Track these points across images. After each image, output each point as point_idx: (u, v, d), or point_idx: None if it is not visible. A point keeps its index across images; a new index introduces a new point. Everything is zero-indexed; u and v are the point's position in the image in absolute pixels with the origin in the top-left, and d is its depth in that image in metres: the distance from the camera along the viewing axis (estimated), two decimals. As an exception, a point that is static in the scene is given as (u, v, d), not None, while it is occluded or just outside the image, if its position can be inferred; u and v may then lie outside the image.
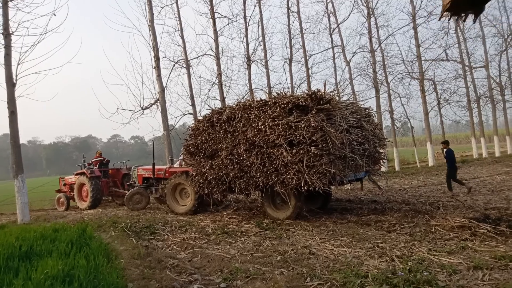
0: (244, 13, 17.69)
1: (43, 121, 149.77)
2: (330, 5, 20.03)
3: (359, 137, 7.14)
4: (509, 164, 16.17)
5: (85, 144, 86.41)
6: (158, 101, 14.39)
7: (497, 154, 22.22)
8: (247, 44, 17.74)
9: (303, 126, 6.30)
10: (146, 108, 14.60)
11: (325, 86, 7.07)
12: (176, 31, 16.07)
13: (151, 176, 10.42)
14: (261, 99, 7.23)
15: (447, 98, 21.88)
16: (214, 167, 7.62)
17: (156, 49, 14.32)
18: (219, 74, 16.19)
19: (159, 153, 26.30)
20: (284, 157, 6.47)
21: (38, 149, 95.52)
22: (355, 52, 20.57)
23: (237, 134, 7.28)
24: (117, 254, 5.02)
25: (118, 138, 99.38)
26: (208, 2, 16.24)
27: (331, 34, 20.09)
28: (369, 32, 19.61)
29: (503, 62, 23.53)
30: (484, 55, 22.64)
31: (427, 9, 22.52)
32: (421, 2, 36.02)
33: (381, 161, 8.42)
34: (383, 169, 12.92)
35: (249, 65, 17.67)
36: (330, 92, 7.13)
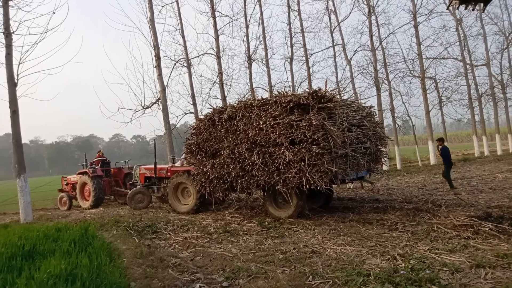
0: (245, 11, 17.69)
1: (45, 121, 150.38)
2: (330, 3, 20.08)
3: (361, 135, 7.13)
4: (511, 162, 16.11)
5: (87, 144, 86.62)
6: (159, 100, 14.41)
7: (499, 152, 22.15)
8: (248, 42, 17.76)
9: (304, 124, 6.29)
10: (148, 107, 14.64)
11: (326, 84, 7.11)
12: (176, 30, 16.11)
13: (153, 175, 10.42)
14: (262, 98, 7.23)
15: (448, 96, 21.91)
16: (215, 166, 7.62)
17: (157, 48, 14.34)
18: (220, 73, 16.18)
19: (160, 152, 26.35)
20: (286, 156, 6.47)
21: (40, 148, 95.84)
22: (356, 50, 20.65)
23: (238, 133, 7.28)
24: (120, 253, 5.03)
25: (119, 137, 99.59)
26: (209, 1, 16.24)
27: (331, 33, 20.09)
28: (370, 30, 19.58)
29: (505, 60, 23.57)
30: (485, 53, 22.56)
31: (427, 7, 22.51)
32: (422, 0, 35.79)
33: (382, 159, 8.41)
34: (384, 167, 12.91)
35: (250, 64, 17.66)
36: (331, 90, 7.14)
